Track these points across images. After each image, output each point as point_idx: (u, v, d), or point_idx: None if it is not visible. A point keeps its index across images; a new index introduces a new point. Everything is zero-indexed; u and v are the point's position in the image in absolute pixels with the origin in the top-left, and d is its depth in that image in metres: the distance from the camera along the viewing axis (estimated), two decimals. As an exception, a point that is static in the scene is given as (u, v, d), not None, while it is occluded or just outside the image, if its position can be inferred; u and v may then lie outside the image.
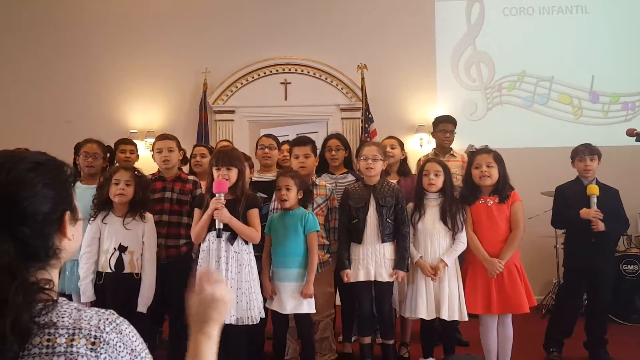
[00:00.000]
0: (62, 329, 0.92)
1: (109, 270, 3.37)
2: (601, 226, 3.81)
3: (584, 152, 4.07)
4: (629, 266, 5.13)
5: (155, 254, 3.48)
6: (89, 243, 3.40)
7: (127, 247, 3.40)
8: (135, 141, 5.24)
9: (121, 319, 1.00)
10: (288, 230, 3.50)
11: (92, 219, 3.44)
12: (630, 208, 4.49)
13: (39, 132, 6.17)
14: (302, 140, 4.05)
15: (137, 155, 4.70)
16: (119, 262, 3.38)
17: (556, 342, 4.11)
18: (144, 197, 3.48)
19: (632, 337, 4.57)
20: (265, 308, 3.45)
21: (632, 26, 6.54)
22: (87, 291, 3.36)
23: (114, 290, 3.34)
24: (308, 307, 3.47)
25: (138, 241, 3.44)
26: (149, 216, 3.51)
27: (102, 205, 3.44)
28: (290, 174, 3.56)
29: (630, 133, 4.38)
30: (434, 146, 5.05)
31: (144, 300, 3.35)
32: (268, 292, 3.49)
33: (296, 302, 3.45)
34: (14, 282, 0.90)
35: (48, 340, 0.91)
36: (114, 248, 3.39)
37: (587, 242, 3.89)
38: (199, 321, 1.15)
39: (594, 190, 3.88)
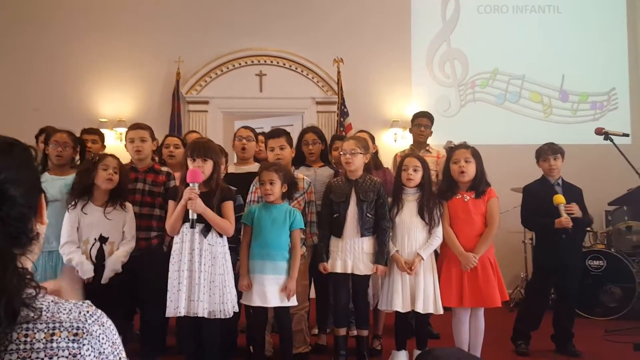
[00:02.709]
0: (40, 323, 0.90)
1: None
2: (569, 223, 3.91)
3: (547, 152, 4.15)
4: (594, 261, 5.27)
5: (134, 241, 3.47)
6: (70, 233, 3.33)
7: (107, 237, 3.36)
8: (104, 130, 5.13)
9: (100, 311, 0.98)
10: (275, 223, 3.47)
11: (71, 206, 3.37)
12: (596, 205, 4.63)
13: (4, 120, 5.99)
14: (277, 132, 4.01)
15: (103, 146, 4.56)
16: (100, 253, 3.33)
17: (524, 334, 4.19)
18: (125, 187, 3.47)
19: (596, 330, 4.71)
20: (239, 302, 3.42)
21: (602, 27, 6.70)
22: (85, 266, 3.29)
23: (95, 281, 3.29)
24: (291, 300, 3.47)
25: (119, 231, 3.41)
26: (129, 206, 3.48)
27: (83, 191, 3.37)
28: (274, 168, 3.51)
29: (599, 132, 4.49)
30: (412, 141, 5.07)
31: (108, 271, 3.31)
32: (244, 286, 3.44)
33: (281, 295, 3.43)
34: (10, 265, 0.89)
35: (26, 335, 0.88)
36: (95, 239, 3.34)
37: (557, 240, 3.98)
38: None
39: (560, 199, 3.95)
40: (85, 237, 3.35)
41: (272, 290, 3.41)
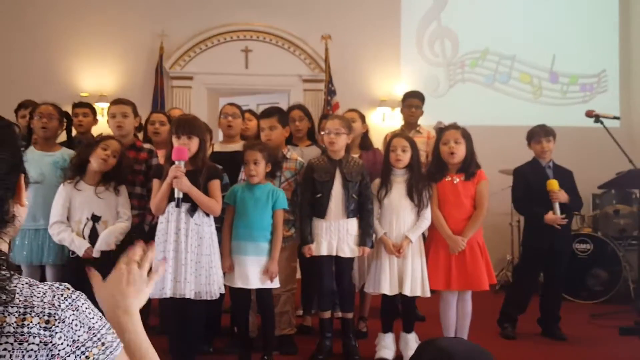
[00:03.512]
0: (12, 306, 0.84)
1: None
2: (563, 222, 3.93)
3: (539, 134, 4.11)
4: (581, 245, 5.28)
5: (130, 222, 3.37)
6: (61, 212, 3.22)
7: (100, 217, 3.26)
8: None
9: (77, 293, 0.92)
10: (258, 203, 3.40)
11: (68, 181, 3.26)
12: (584, 188, 4.60)
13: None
14: (267, 112, 3.89)
15: (95, 120, 4.47)
16: (93, 233, 3.24)
17: (510, 318, 4.20)
18: (121, 173, 3.39)
19: (582, 313, 4.73)
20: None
21: (593, 8, 6.66)
22: (77, 242, 3.19)
23: (88, 262, 3.11)
24: (274, 281, 3.42)
25: (112, 211, 3.32)
26: (122, 188, 3.40)
27: (80, 166, 3.28)
28: (258, 147, 3.43)
29: (589, 114, 4.48)
30: (402, 122, 5.00)
31: (101, 243, 3.20)
32: (226, 267, 3.37)
33: (262, 276, 3.38)
34: None
35: None
36: (87, 218, 3.24)
37: (547, 224, 3.95)
38: (116, 300, 1.08)
39: (554, 185, 3.92)
40: (77, 217, 3.26)
41: (253, 271, 3.36)
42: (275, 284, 3.44)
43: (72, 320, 0.88)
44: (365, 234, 3.55)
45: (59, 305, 0.87)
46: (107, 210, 3.30)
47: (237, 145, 3.93)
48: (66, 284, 0.93)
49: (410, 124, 4.75)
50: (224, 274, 3.37)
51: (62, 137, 3.84)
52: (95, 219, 3.26)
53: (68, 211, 3.27)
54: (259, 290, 3.46)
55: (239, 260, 3.38)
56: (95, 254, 3.20)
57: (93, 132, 4.44)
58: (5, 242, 0.92)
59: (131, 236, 3.38)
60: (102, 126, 4.70)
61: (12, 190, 0.93)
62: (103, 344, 0.90)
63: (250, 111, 4.49)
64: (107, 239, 3.24)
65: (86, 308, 0.91)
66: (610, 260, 5.21)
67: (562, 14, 6.61)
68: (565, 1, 6.64)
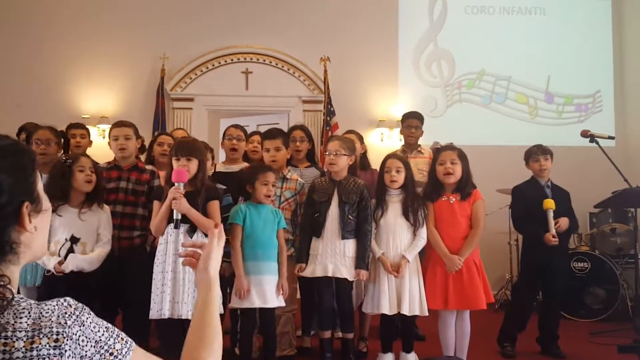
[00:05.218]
0: (19, 331, 0.86)
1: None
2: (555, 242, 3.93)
3: (537, 153, 4.16)
4: (579, 264, 5.29)
5: (110, 245, 3.33)
6: None
7: (79, 238, 3.22)
8: (87, 126, 5.03)
9: (81, 307, 0.94)
10: (267, 223, 3.46)
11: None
12: (581, 207, 4.65)
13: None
14: (273, 133, 3.95)
15: (90, 141, 4.49)
16: (70, 253, 3.19)
17: (510, 336, 4.19)
18: (102, 187, 3.37)
19: (580, 331, 4.74)
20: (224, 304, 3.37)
21: (587, 30, 6.76)
22: (47, 261, 3.11)
23: (63, 282, 3.12)
24: (279, 300, 3.45)
25: (92, 233, 3.28)
26: (106, 208, 3.38)
27: (61, 195, 3.23)
28: (273, 169, 3.55)
29: (585, 134, 4.51)
30: (400, 142, 5.02)
31: (70, 263, 3.11)
32: (244, 289, 3.33)
33: (277, 295, 3.42)
34: None
35: (5, 344, 0.84)
36: (65, 239, 3.20)
37: (544, 242, 3.97)
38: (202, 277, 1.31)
39: (550, 204, 3.95)
40: (57, 237, 3.21)
41: (270, 290, 3.39)
42: (282, 302, 3.47)
43: (79, 336, 0.90)
44: (360, 257, 3.56)
45: (66, 323, 0.89)
46: (87, 232, 3.24)
47: (240, 166, 3.99)
48: (69, 299, 0.94)
49: (411, 144, 4.75)
50: (226, 295, 3.38)
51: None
52: (73, 240, 3.21)
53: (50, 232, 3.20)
54: (262, 311, 3.47)
55: (257, 280, 3.38)
56: (66, 269, 3.11)
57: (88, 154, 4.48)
58: (16, 266, 0.93)
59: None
60: (102, 147, 4.74)
61: (13, 219, 0.93)
62: (111, 353, 0.93)
63: (259, 133, 4.52)
64: (79, 262, 3.14)
65: (91, 322, 0.93)
66: (608, 278, 5.22)
67: (556, 35, 6.71)
68: (560, 22, 6.75)
